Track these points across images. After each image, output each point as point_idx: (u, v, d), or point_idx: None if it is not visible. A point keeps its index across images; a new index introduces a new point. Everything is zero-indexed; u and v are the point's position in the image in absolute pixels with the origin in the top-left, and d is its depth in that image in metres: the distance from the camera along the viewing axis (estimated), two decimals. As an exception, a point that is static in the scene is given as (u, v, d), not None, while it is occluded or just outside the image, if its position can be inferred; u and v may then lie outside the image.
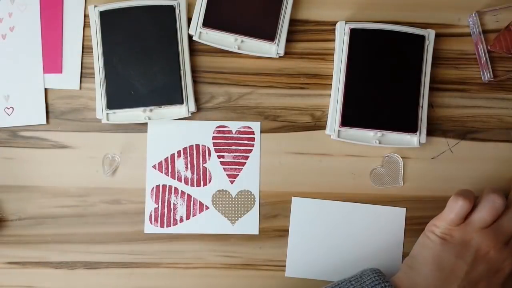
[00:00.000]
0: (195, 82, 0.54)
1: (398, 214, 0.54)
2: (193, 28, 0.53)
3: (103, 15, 0.53)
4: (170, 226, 0.54)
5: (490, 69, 0.54)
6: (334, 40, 0.55)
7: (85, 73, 0.55)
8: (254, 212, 0.54)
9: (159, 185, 0.54)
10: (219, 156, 0.54)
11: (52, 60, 0.54)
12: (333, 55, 0.55)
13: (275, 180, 0.54)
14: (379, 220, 0.54)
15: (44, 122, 0.54)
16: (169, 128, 0.54)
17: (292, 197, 0.54)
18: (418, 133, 0.53)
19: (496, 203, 0.47)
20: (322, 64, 0.55)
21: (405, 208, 0.54)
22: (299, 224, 0.54)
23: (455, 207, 0.47)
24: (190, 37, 0.54)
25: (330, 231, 0.54)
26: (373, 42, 0.53)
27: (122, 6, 0.53)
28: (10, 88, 0.54)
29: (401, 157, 0.55)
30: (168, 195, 0.54)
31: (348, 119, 0.53)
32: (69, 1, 0.55)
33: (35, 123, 0.54)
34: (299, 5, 0.55)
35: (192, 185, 0.54)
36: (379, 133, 0.53)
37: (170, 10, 0.53)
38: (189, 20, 0.54)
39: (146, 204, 0.54)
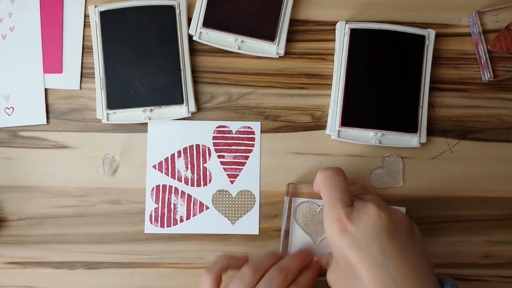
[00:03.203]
0: (195, 82, 0.54)
1: None
2: (193, 28, 0.53)
3: (103, 15, 0.53)
4: (170, 226, 0.54)
5: (490, 69, 0.54)
6: (334, 40, 0.55)
7: (85, 73, 0.55)
8: (254, 212, 0.54)
9: (159, 185, 0.54)
10: (219, 156, 0.54)
11: (52, 60, 0.54)
12: (333, 55, 0.55)
13: (275, 180, 0.54)
14: None
15: (44, 122, 0.54)
16: (169, 128, 0.54)
17: (292, 198, 0.54)
18: (418, 133, 0.53)
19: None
20: (322, 64, 0.55)
21: (404, 208, 0.54)
22: (299, 226, 0.54)
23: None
24: (190, 37, 0.54)
25: None
26: (373, 42, 0.53)
27: (122, 6, 0.53)
28: (10, 88, 0.54)
29: (401, 157, 0.55)
30: (168, 195, 0.54)
31: (348, 119, 0.53)
32: (69, 1, 0.55)
33: (35, 123, 0.54)
34: (299, 5, 0.55)
35: (192, 185, 0.54)
36: (379, 133, 0.53)
37: (170, 10, 0.53)
38: (189, 20, 0.54)
39: (146, 204, 0.54)
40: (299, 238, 0.53)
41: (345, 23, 0.53)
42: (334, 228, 0.42)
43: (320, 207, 0.53)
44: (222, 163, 0.54)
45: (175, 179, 0.54)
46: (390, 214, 0.42)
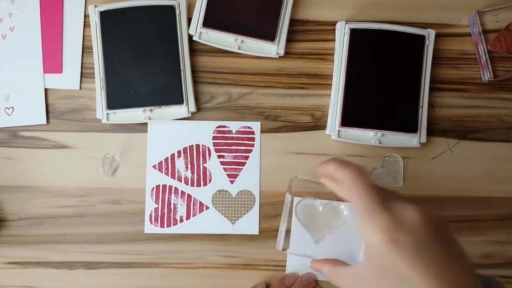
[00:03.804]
0: (195, 82, 0.54)
1: None
2: (193, 28, 0.53)
3: (103, 15, 0.53)
4: (170, 226, 0.54)
5: (490, 69, 0.54)
6: (334, 40, 0.55)
7: (85, 73, 0.55)
8: (254, 212, 0.54)
9: (159, 185, 0.54)
10: (219, 156, 0.54)
11: (52, 60, 0.54)
12: (333, 55, 0.55)
13: (275, 180, 0.54)
14: None
15: (44, 122, 0.54)
16: (169, 128, 0.54)
17: (294, 197, 0.54)
18: (418, 133, 0.53)
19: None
20: (322, 64, 0.55)
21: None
22: (300, 224, 0.54)
23: None
24: (190, 37, 0.54)
25: (329, 231, 0.54)
26: (373, 42, 0.53)
27: (122, 6, 0.53)
28: (10, 88, 0.54)
29: (401, 157, 0.55)
30: (168, 195, 0.54)
31: (348, 119, 0.53)
32: (69, 1, 0.55)
33: (35, 123, 0.54)
34: (299, 5, 0.55)
35: (192, 185, 0.54)
36: (379, 133, 0.53)
37: (170, 10, 0.53)
38: (189, 20, 0.54)
39: (146, 204, 0.54)
40: (300, 236, 0.53)
41: (345, 23, 0.53)
42: (381, 238, 0.37)
43: (323, 206, 0.53)
44: (222, 163, 0.54)
45: (175, 179, 0.54)
46: (433, 218, 0.38)
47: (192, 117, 0.54)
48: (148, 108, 0.53)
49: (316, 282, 0.53)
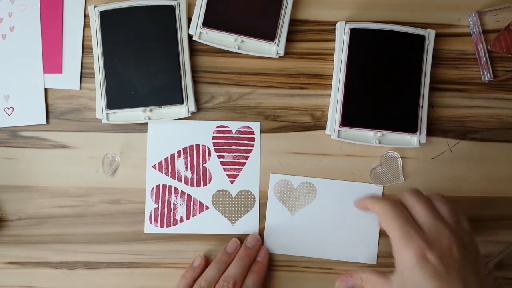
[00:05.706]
0: (195, 82, 0.54)
1: (375, 191, 0.54)
2: (193, 28, 0.53)
3: (103, 15, 0.53)
4: (170, 226, 0.54)
5: (490, 69, 0.54)
6: (334, 40, 0.55)
7: (85, 73, 0.55)
8: (254, 212, 0.54)
9: (159, 185, 0.54)
10: (219, 156, 0.54)
11: (52, 60, 0.54)
12: (333, 55, 0.55)
13: (275, 180, 0.54)
14: (356, 196, 0.54)
15: (44, 122, 0.54)
16: (169, 128, 0.54)
17: (270, 174, 0.54)
18: (418, 133, 0.53)
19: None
20: (322, 64, 0.55)
21: (382, 186, 0.54)
22: (276, 200, 0.54)
23: None
24: (190, 37, 0.54)
25: (306, 207, 0.54)
26: (373, 42, 0.53)
27: (122, 6, 0.53)
28: (10, 88, 0.54)
29: (401, 157, 0.54)
30: (168, 195, 0.54)
31: (348, 119, 0.53)
32: (69, 1, 0.55)
33: (35, 123, 0.54)
34: (299, 5, 0.55)
35: (192, 185, 0.54)
36: (379, 133, 0.53)
37: (170, 10, 0.53)
38: (189, 20, 0.54)
39: (146, 204, 0.54)
40: (277, 210, 0.54)
41: (345, 23, 0.53)
42: (413, 253, 0.41)
43: (298, 184, 0.54)
44: (222, 163, 0.54)
45: (175, 179, 0.54)
46: (463, 244, 0.43)
47: (192, 117, 0.54)
48: (148, 108, 0.53)
49: (262, 243, 0.53)
